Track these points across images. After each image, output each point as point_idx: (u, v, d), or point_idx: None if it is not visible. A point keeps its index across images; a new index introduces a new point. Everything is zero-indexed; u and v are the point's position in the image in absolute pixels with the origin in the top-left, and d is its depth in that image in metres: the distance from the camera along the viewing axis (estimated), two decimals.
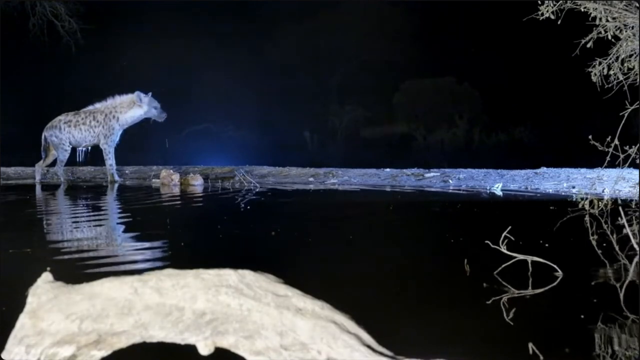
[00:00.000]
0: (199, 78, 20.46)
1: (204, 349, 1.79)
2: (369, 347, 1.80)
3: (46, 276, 1.96)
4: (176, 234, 5.61)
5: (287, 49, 21.78)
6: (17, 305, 1.91)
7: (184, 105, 20.60)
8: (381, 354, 1.79)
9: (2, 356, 1.78)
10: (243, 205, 8.08)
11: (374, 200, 8.82)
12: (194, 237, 5.48)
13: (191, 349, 1.80)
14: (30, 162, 13.21)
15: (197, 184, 11.10)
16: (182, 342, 1.80)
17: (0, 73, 18.17)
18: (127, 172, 13.52)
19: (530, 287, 3.37)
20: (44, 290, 1.89)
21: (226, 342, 1.79)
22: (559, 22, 6.37)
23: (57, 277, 1.97)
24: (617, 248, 4.39)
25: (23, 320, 1.83)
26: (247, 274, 1.97)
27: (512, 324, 2.76)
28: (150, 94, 11.99)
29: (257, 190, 9.98)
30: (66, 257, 4.30)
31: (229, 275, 1.94)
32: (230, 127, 21.63)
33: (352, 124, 21.73)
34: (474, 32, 19.06)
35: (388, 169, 12.34)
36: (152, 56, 19.56)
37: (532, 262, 3.64)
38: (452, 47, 20.02)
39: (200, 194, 9.69)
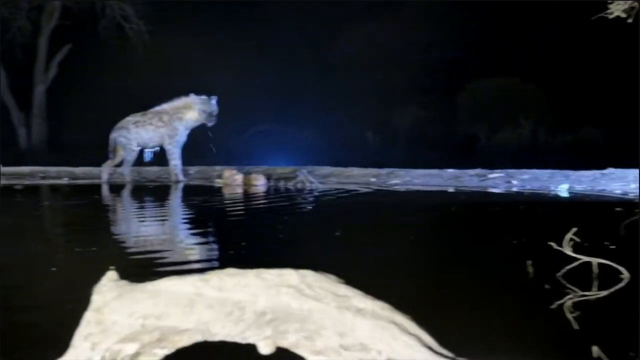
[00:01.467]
0: (262, 79, 20.58)
1: (265, 348, 1.80)
2: (429, 348, 1.79)
3: (110, 275, 1.99)
4: (237, 233, 5.65)
5: (350, 49, 21.77)
6: (82, 303, 1.95)
7: (247, 106, 20.75)
8: (442, 355, 1.78)
9: (69, 353, 1.81)
10: (305, 206, 8.11)
11: (436, 201, 8.77)
12: (255, 237, 5.51)
13: (251, 348, 1.81)
14: (97, 162, 13.42)
15: (259, 184, 11.15)
16: (243, 341, 1.82)
17: (69, 75, 18.57)
18: (191, 172, 13.66)
19: (595, 289, 3.31)
20: (108, 289, 1.92)
21: (287, 342, 1.80)
22: (629, 21, 6.21)
23: (121, 275, 2.01)
24: None
25: (88, 318, 1.86)
26: (308, 274, 1.97)
27: (575, 326, 2.72)
28: (214, 98, 12.03)
29: (319, 190, 10.00)
30: (130, 255, 4.37)
31: (290, 275, 1.95)
32: (292, 128, 21.69)
33: (415, 124, 21.62)
34: (539, 32, 18.81)
35: (451, 170, 12.24)
36: (216, 57, 19.75)
37: (597, 264, 3.58)
38: (517, 46, 19.77)
39: (263, 194, 9.75)
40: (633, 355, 2.35)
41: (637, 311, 2.94)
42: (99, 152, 12.89)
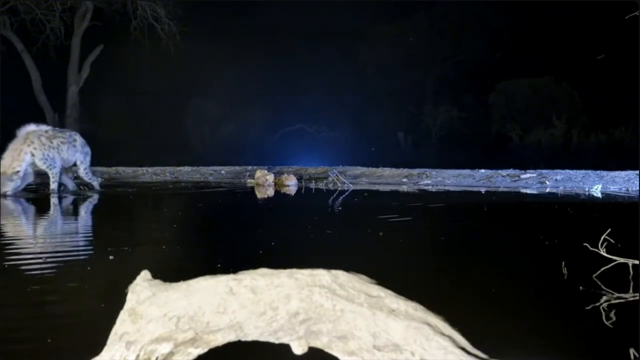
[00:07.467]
0: (292, 80, 20.64)
1: (298, 349, 1.80)
2: (463, 349, 1.78)
3: (145, 274, 2.00)
4: (268, 233, 5.65)
5: (382, 50, 21.77)
6: (117, 302, 1.96)
7: (278, 106, 20.82)
8: (475, 356, 1.77)
9: (104, 352, 1.83)
10: (336, 205, 8.09)
11: (467, 201, 8.72)
12: (286, 237, 5.50)
13: (285, 348, 1.82)
14: (128, 162, 13.52)
15: (291, 184, 11.16)
16: (276, 342, 1.82)
17: (102, 75, 18.73)
18: (222, 172, 13.72)
19: (631, 291, 3.27)
20: (142, 288, 1.93)
21: (319, 342, 1.80)
22: None
23: (155, 275, 2.02)
24: None
25: (123, 318, 1.88)
26: (340, 274, 1.97)
27: (611, 327, 2.69)
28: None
29: (351, 190, 9.99)
30: (163, 255, 4.38)
31: (322, 275, 1.95)
32: (323, 128, 21.75)
33: (447, 125, 21.57)
34: (572, 31, 18.67)
35: (483, 170, 12.18)
36: (247, 58, 19.83)
37: (633, 265, 3.53)
38: (549, 46, 19.65)
39: (294, 194, 9.75)
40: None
41: None
42: (131, 151, 12.98)
